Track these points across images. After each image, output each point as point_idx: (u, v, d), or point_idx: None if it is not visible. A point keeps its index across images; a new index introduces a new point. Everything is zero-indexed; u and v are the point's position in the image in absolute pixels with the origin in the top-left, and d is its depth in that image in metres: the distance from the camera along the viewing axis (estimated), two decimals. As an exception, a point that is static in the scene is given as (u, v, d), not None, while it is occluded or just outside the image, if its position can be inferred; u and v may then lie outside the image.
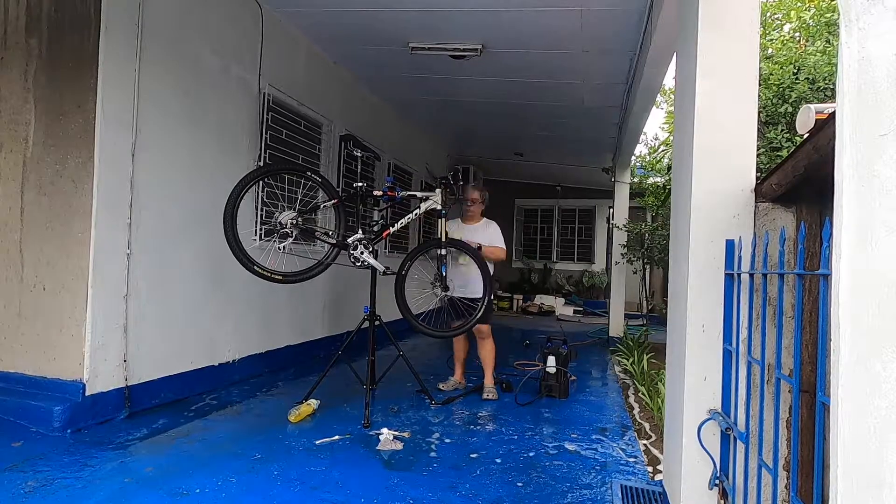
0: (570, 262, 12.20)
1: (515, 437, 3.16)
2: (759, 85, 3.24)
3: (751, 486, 1.78)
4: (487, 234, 4.08)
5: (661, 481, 2.51)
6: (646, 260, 7.21)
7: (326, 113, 5.18)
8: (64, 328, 2.98)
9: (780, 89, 4.87)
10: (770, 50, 5.93)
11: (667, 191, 7.08)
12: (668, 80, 4.90)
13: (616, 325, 7.30)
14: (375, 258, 3.52)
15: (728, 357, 1.93)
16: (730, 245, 1.91)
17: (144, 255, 3.24)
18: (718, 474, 1.94)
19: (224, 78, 3.87)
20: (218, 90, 3.82)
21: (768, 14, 7.04)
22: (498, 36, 4.39)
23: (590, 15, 3.87)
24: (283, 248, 3.21)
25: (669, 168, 7.74)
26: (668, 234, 2.69)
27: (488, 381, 4.06)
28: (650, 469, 2.76)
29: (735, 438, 1.87)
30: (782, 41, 6.17)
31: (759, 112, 3.75)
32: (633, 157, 7.87)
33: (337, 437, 2.98)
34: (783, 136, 4.66)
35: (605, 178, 8.53)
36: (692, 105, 2.01)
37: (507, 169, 10.37)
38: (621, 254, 7.27)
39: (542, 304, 10.68)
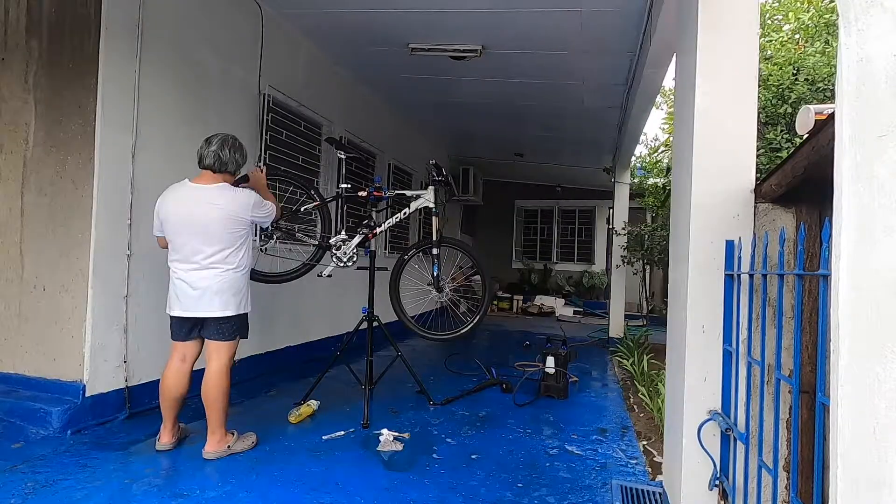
0: (569, 263, 12.20)
1: (515, 437, 3.16)
2: (759, 86, 3.25)
3: (751, 487, 1.78)
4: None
5: (661, 482, 2.51)
6: (646, 261, 7.21)
7: (326, 114, 5.19)
8: (64, 329, 2.98)
9: (780, 90, 4.88)
10: (769, 51, 5.94)
11: (666, 191, 7.08)
12: (668, 81, 4.90)
13: (616, 325, 7.29)
14: (373, 258, 3.54)
15: (728, 357, 1.93)
16: (730, 245, 1.91)
17: (144, 255, 3.23)
18: (718, 475, 1.94)
19: (224, 79, 3.88)
20: (218, 91, 3.82)
21: (768, 15, 7.05)
22: (498, 36, 4.39)
23: (590, 15, 3.88)
24: (265, 249, 3.27)
25: (669, 169, 7.74)
26: (668, 235, 2.69)
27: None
28: (650, 470, 2.76)
29: (735, 439, 1.87)
30: (781, 42, 6.18)
31: (759, 113, 3.76)
32: (633, 158, 7.87)
33: (342, 432, 3.04)
34: (783, 137, 4.67)
35: (605, 179, 8.54)
36: (692, 105, 2.01)
37: (507, 169, 10.37)
38: (621, 256, 7.27)
39: (541, 304, 10.68)
